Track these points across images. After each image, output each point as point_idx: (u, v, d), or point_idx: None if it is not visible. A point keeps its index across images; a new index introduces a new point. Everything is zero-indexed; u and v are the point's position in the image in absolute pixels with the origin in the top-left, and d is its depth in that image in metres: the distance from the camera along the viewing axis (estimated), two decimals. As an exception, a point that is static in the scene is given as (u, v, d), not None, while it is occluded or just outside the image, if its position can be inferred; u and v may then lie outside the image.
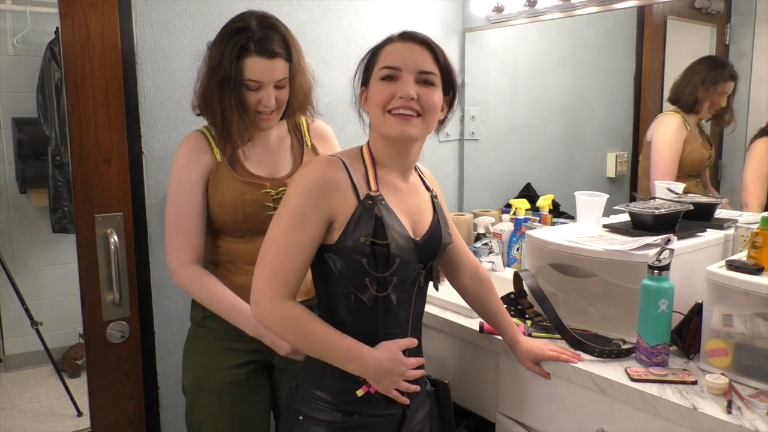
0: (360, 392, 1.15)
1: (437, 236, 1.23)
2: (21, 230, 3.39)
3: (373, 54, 1.19)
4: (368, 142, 1.21)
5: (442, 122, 1.24)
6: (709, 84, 1.82)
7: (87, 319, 1.60)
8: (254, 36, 1.31)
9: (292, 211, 1.10)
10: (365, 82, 1.20)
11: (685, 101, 1.86)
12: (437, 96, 1.15)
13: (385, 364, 1.13)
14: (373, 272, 1.12)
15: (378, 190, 1.15)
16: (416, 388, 1.18)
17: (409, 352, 1.20)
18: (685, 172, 1.88)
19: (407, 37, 1.16)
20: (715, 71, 1.82)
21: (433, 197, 1.28)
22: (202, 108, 1.39)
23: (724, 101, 1.82)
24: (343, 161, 1.15)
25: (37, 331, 2.96)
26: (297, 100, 1.43)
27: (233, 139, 1.38)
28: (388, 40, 1.18)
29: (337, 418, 1.15)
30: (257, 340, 1.36)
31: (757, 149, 1.76)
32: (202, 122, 1.44)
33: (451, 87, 1.20)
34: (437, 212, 1.26)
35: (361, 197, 1.12)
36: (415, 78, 1.12)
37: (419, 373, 1.20)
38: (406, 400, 1.18)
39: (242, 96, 1.35)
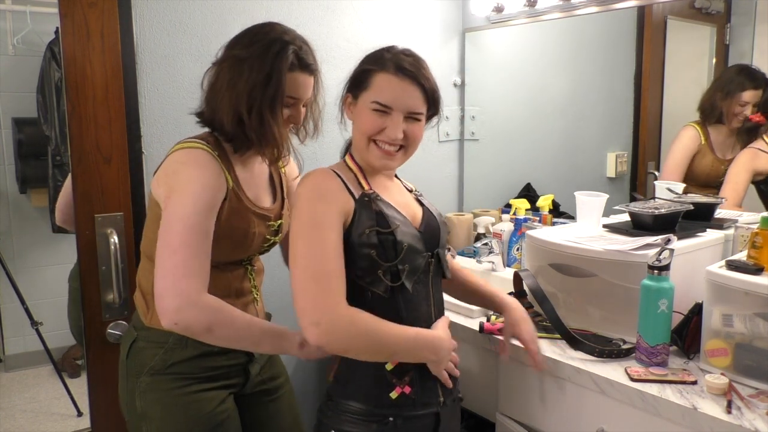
0: (394, 394, 1.16)
1: (434, 224, 1.27)
2: (21, 230, 3.39)
3: (365, 73, 1.19)
4: (350, 154, 1.25)
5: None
6: (725, 93, 1.78)
7: (87, 319, 1.60)
8: (298, 50, 1.26)
9: (310, 220, 1.10)
10: (354, 93, 1.22)
11: (704, 110, 1.84)
12: (421, 129, 1.21)
13: (447, 343, 1.19)
14: (383, 262, 1.13)
15: (371, 189, 1.19)
16: (457, 373, 1.25)
17: None
18: (697, 182, 1.86)
19: (401, 71, 1.16)
20: (732, 80, 1.78)
21: (417, 195, 1.33)
22: (257, 131, 1.24)
23: (748, 110, 1.75)
24: (333, 170, 1.19)
25: (37, 331, 2.96)
26: (313, 121, 1.37)
27: (279, 156, 1.30)
28: (382, 66, 1.17)
29: (372, 430, 1.15)
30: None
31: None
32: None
33: (434, 110, 1.24)
34: (425, 206, 1.31)
35: (357, 198, 1.16)
36: (403, 117, 1.16)
37: (455, 358, 1.26)
38: (451, 383, 1.22)
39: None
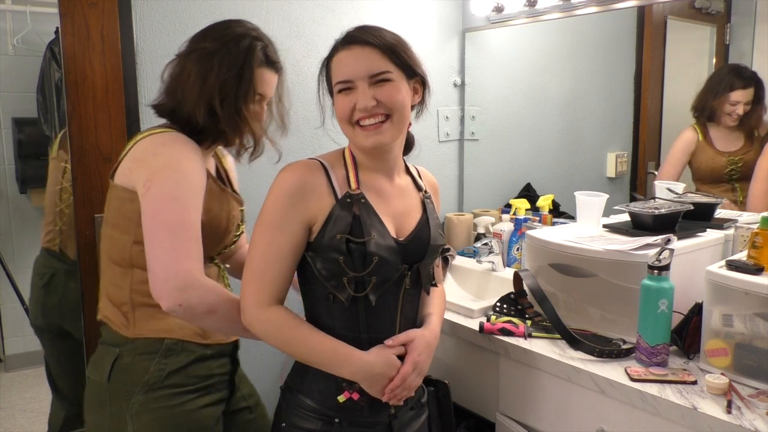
0: (341, 398, 1.13)
1: (424, 236, 1.19)
2: (21, 230, 3.39)
3: (325, 66, 1.18)
4: (350, 145, 1.20)
5: (421, 103, 1.21)
6: (716, 93, 1.79)
7: (87, 319, 1.60)
8: (265, 47, 1.25)
9: (269, 218, 1.10)
10: (332, 92, 1.18)
11: (697, 110, 1.84)
12: (398, 90, 1.11)
13: (377, 368, 1.11)
14: (350, 271, 1.09)
15: (358, 189, 1.13)
16: (409, 393, 1.16)
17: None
18: (705, 180, 1.86)
19: (347, 41, 1.12)
20: (723, 80, 1.79)
21: (425, 197, 1.24)
22: (232, 125, 1.22)
23: (740, 109, 1.76)
24: (322, 164, 1.14)
25: (37, 331, 2.96)
26: (280, 118, 1.33)
27: (258, 151, 1.29)
28: (335, 49, 1.15)
29: (317, 427, 1.13)
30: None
31: None
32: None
33: (414, 71, 1.15)
34: (427, 213, 1.22)
35: (339, 197, 1.11)
36: (368, 83, 1.10)
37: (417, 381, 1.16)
38: (399, 402, 1.16)
39: None
